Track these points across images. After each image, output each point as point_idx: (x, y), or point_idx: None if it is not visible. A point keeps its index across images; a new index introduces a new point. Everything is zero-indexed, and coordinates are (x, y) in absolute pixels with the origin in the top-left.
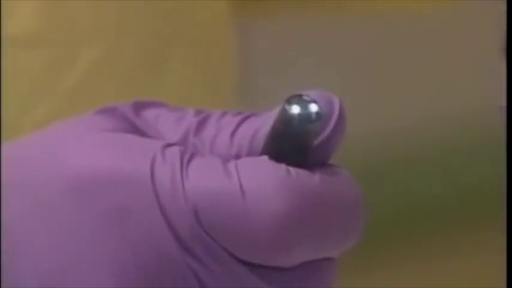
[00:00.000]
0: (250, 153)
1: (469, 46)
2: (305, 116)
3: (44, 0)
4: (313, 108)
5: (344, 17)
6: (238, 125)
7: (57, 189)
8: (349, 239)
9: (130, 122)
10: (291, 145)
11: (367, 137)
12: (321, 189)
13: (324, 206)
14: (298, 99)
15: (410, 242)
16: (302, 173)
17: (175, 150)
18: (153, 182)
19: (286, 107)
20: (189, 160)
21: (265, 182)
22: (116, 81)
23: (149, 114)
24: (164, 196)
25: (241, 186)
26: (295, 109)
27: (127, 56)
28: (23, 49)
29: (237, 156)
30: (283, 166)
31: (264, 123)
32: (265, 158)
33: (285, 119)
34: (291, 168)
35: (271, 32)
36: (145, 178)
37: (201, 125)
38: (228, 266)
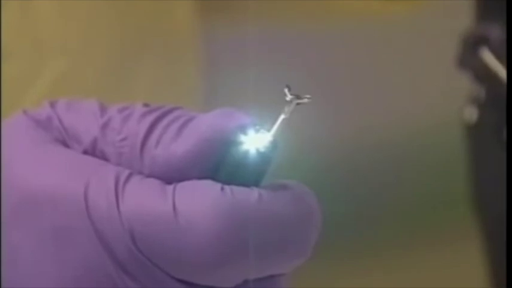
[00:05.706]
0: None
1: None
2: (265, 148)
3: (10, 14)
4: (268, 138)
5: (312, 21)
6: (144, 141)
7: (10, 204)
8: (297, 255)
9: (61, 133)
10: (244, 174)
11: (360, 139)
12: (258, 207)
13: (261, 224)
14: (252, 130)
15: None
16: (238, 190)
17: (111, 172)
18: (87, 206)
19: (243, 139)
20: (126, 182)
21: (198, 201)
22: (83, 92)
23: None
24: (100, 221)
25: (174, 206)
26: (254, 142)
27: (93, 67)
28: None
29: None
30: (217, 185)
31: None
32: (206, 180)
33: (241, 152)
34: (226, 187)
35: (237, 38)
36: (80, 203)
37: (105, 127)
38: (165, 285)
